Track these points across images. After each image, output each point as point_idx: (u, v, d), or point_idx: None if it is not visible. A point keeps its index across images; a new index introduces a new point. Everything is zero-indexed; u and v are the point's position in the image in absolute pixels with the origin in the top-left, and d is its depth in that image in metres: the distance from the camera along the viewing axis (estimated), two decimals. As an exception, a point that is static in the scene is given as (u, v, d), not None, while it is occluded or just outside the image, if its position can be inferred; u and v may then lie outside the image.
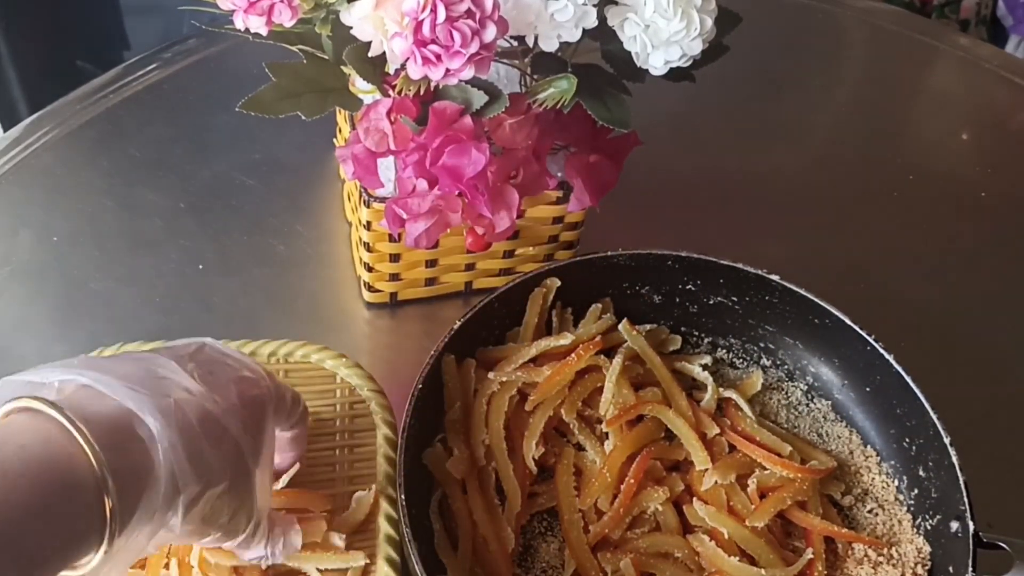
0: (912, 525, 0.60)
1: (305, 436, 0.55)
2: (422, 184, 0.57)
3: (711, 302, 0.68)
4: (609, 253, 0.66)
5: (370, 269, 0.71)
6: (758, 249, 0.74)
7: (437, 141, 0.54)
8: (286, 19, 0.52)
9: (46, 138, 0.83)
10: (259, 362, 0.50)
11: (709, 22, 0.54)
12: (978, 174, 0.92)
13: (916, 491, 0.61)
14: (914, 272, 0.82)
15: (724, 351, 0.70)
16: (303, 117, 0.56)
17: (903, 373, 0.60)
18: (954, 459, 0.56)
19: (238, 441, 0.44)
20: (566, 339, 0.63)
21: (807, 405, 0.68)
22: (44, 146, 0.83)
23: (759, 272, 0.65)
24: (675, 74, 0.57)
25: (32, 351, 0.68)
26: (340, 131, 0.78)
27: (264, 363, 0.59)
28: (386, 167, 0.62)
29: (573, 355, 0.62)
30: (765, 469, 0.61)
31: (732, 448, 0.62)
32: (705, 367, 0.66)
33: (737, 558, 0.57)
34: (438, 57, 0.49)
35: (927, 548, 0.58)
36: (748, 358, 0.69)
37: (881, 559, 0.58)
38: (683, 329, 0.70)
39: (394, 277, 0.72)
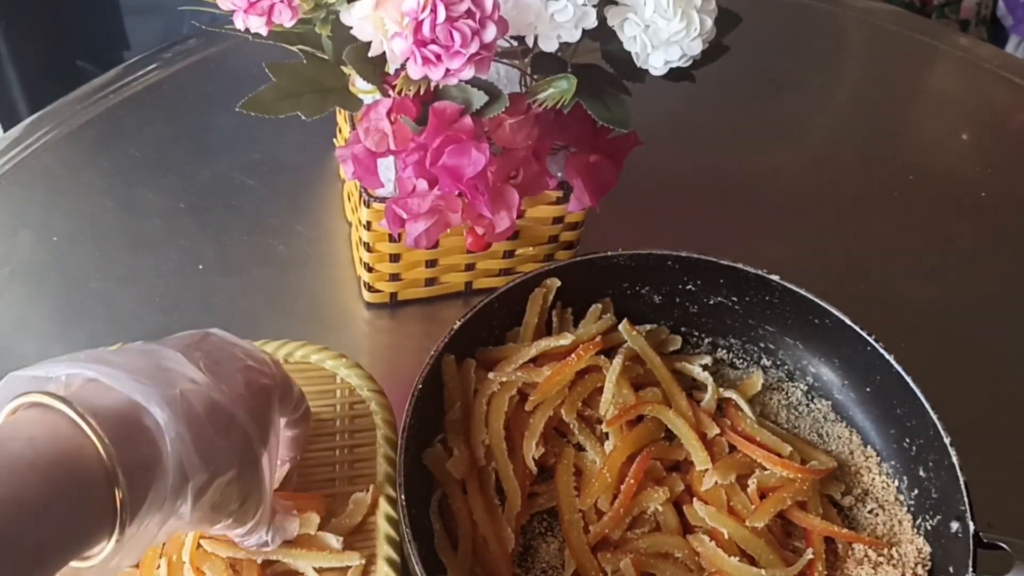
0: (912, 525, 0.60)
1: (304, 438, 0.55)
2: (422, 184, 0.57)
3: (711, 302, 0.68)
4: (609, 253, 0.66)
5: (370, 269, 0.71)
6: (758, 249, 0.74)
7: (437, 141, 0.54)
8: (286, 19, 0.52)
9: (46, 138, 0.83)
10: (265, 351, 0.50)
11: (709, 22, 0.54)
12: (978, 174, 0.92)
13: (916, 491, 0.61)
14: (914, 272, 0.82)
15: (724, 351, 0.70)
16: (303, 117, 0.56)
17: (903, 373, 0.60)
18: (954, 459, 0.56)
19: (245, 429, 0.44)
20: (566, 339, 0.63)
21: (807, 405, 0.68)
22: (44, 146, 0.83)
23: (759, 272, 0.65)
24: (675, 74, 0.57)
25: (32, 351, 0.68)
26: (340, 131, 0.78)
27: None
28: (386, 167, 0.62)
29: (573, 355, 0.62)
30: (765, 469, 0.61)
31: (732, 448, 0.62)
32: (705, 367, 0.66)
33: (737, 558, 0.57)
34: (438, 57, 0.49)
35: (927, 548, 0.58)
36: (748, 358, 0.69)
37: (881, 559, 0.58)
38: (683, 329, 0.70)
39: (394, 277, 0.72)
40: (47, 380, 0.40)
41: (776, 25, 1.08)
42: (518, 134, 0.57)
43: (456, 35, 0.48)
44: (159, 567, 0.52)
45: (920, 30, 1.10)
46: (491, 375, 0.62)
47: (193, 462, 0.40)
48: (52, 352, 0.66)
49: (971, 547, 0.53)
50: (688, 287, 0.68)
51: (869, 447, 0.65)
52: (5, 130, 0.87)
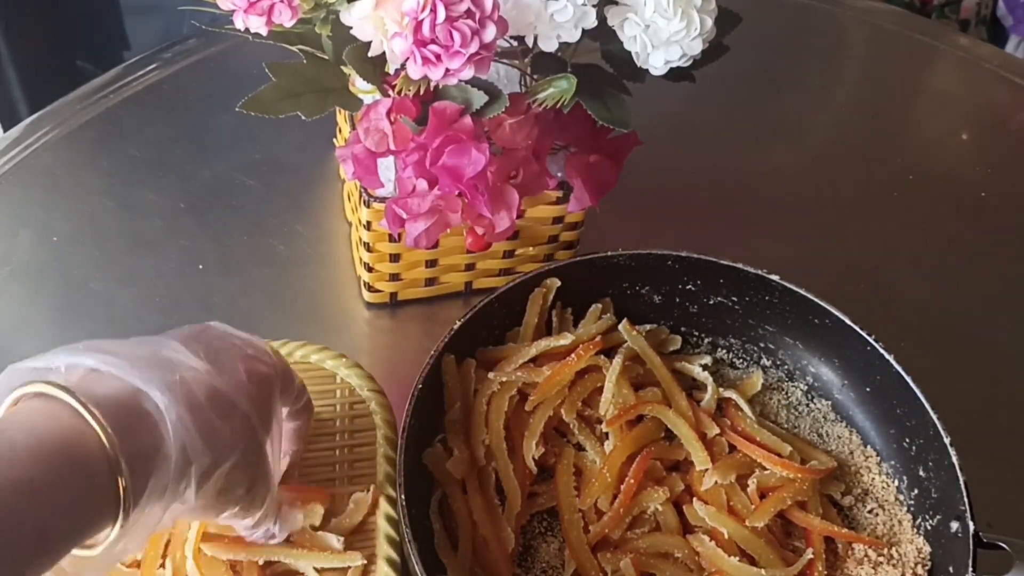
0: (912, 525, 0.60)
1: (306, 430, 0.55)
2: (422, 184, 0.57)
3: (711, 302, 0.68)
4: (609, 253, 0.66)
5: (370, 269, 0.71)
6: (758, 249, 0.74)
7: (437, 141, 0.54)
8: (286, 19, 0.52)
9: (46, 138, 0.83)
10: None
11: (709, 22, 0.54)
12: (978, 174, 0.92)
13: (916, 491, 0.61)
14: (914, 272, 0.82)
15: (724, 351, 0.70)
16: (303, 117, 0.56)
17: (903, 373, 0.60)
18: (954, 459, 0.56)
19: (248, 415, 0.44)
20: (566, 339, 0.63)
21: (807, 405, 0.68)
22: (44, 146, 0.83)
23: (759, 272, 0.65)
24: (675, 74, 0.57)
25: (32, 351, 0.67)
26: (340, 131, 0.78)
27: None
28: (386, 167, 0.62)
29: (573, 355, 0.62)
30: (765, 469, 0.61)
31: (732, 448, 0.62)
32: (705, 367, 0.66)
33: (737, 558, 0.57)
34: (438, 57, 0.49)
35: (927, 548, 0.58)
36: (748, 358, 0.69)
37: (881, 559, 0.58)
38: (683, 329, 0.70)
39: (394, 277, 0.72)
40: (48, 370, 0.40)
41: (776, 25, 1.08)
42: (518, 134, 0.57)
43: (456, 35, 0.48)
44: (163, 566, 0.52)
45: (920, 30, 1.10)
46: (491, 375, 0.62)
47: (196, 446, 0.41)
48: (52, 352, 0.67)
49: (971, 547, 0.53)
50: (688, 287, 0.68)
51: (869, 447, 0.65)
52: (5, 130, 0.87)
